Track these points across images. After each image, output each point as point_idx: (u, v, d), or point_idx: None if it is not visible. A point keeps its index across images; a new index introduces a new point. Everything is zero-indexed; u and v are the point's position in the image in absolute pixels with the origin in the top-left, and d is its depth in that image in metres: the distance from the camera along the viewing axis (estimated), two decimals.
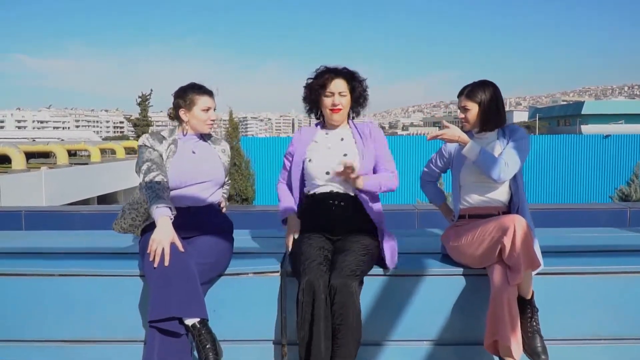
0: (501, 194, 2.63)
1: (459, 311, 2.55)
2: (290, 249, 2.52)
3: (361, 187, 2.52)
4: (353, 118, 2.76)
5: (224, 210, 2.81)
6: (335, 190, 2.58)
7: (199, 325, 2.16)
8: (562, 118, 50.51)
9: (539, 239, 2.59)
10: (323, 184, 2.60)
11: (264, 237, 3.29)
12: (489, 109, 2.61)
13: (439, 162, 2.87)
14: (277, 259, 2.68)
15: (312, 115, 2.75)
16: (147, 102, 43.81)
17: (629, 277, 2.56)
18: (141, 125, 43.53)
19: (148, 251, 2.23)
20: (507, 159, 2.51)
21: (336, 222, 2.56)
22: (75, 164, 22.73)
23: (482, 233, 2.43)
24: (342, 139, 2.68)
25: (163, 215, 2.29)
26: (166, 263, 2.18)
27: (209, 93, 2.65)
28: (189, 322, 2.16)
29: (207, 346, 2.14)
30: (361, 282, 2.36)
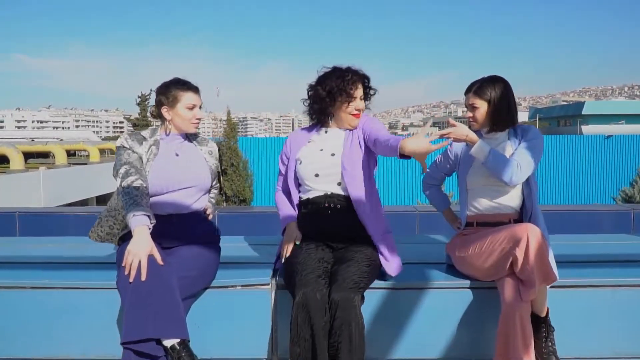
0: (512, 200, 2.42)
1: (466, 327, 2.34)
2: (285, 258, 2.31)
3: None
4: None
5: (210, 217, 2.59)
6: (329, 192, 2.39)
7: (178, 347, 1.94)
8: (562, 118, 50.39)
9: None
10: (315, 187, 2.41)
11: (256, 244, 3.08)
12: (499, 107, 2.39)
13: (444, 164, 2.66)
14: (267, 269, 2.47)
15: (312, 117, 2.53)
16: (146, 102, 43.69)
17: None
18: (141, 125, 43.38)
19: (123, 264, 2.01)
20: (520, 160, 2.29)
21: (335, 229, 2.37)
22: (74, 164, 22.65)
23: (491, 243, 2.22)
24: (340, 138, 2.49)
25: (140, 225, 2.07)
26: (143, 277, 1.96)
27: (194, 89, 2.43)
28: (168, 343, 1.94)
29: None
30: (362, 297, 2.14)
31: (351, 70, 2.44)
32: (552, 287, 2.26)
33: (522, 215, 2.44)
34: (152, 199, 2.30)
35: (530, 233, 2.09)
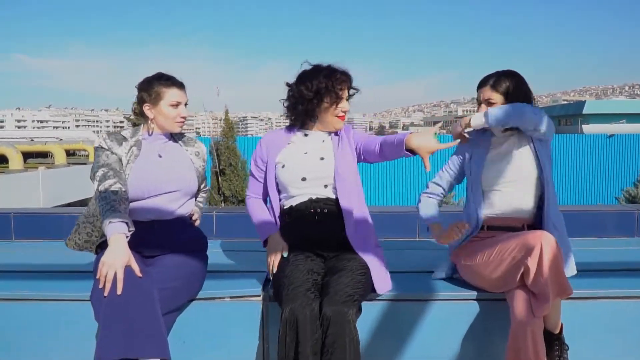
0: (527, 202, 2.23)
1: (472, 342, 2.17)
2: (273, 272, 2.13)
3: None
4: None
5: (196, 223, 2.41)
6: (314, 196, 2.21)
7: None
8: (563, 117, 50.21)
9: None
10: (299, 193, 2.23)
11: (247, 250, 2.90)
12: (516, 101, 2.20)
13: (453, 168, 2.43)
14: (258, 279, 2.30)
15: (293, 118, 2.33)
16: None
17: None
18: (141, 124, 43.35)
19: (97, 276, 1.84)
20: (520, 105, 2.15)
21: (324, 235, 2.19)
22: (73, 163, 22.57)
23: (501, 251, 2.05)
24: (323, 141, 2.32)
25: (116, 233, 1.88)
26: (118, 291, 1.78)
27: (179, 85, 2.25)
28: None
29: None
30: (359, 309, 1.97)
31: (338, 69, 2.27)
32: (568, 298, 2.09)
33: (537, 221, 2.25)
34: (133, 204, 2.13)
35: (544, 241, 1.91)
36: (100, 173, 2.07)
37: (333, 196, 2.22)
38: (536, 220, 2.25)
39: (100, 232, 2.19)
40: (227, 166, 12.88)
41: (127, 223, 1.93)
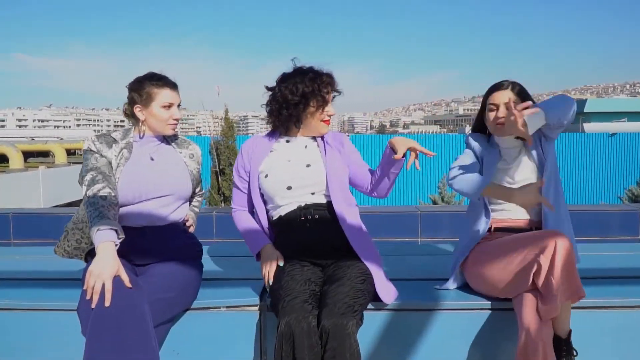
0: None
1: (479, 354, 2.08)
2: (269, 284, 2.04)
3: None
4: None
5: (191, 229, 2.32)
6: (303, 203, 2.12)
7: None
8: None
9: None
10: (286, 202, 2.14)
11: (243, 256, 2.78)
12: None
13: (471, 157, 2.26)
14: (256, 287, 2.21)
15: (276, 123, 2.23)
16: None
17: None
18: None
19: (84, 287, 1.74)
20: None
21: (318, 241, 2.10)
22: (73, 163, 22.53)
23: (512, 251, 1.96)
24: (305, 147, 2.23)
25: (105, 241, 1.78)
26: (107, 303, 1.68)
27: (171, 85, 2.15)
28: None
29: None
30: (360, 319, 1.86)
31: (323, 72, 2.17)
32: (575, 307, 2.00)
33: (544, 224, 2.15)
34: (123, 210, 2.03)
35: (559, 240, 1.83)
36: (88, 177, 1.97)
37: (323, 201, 2.14)
38: (542, 223, 2.16)
39: (89, 239, 2.09)
40: (227, 166, 12.80)
41: (116, 230, 1.83)
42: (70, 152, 26.91)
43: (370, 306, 2.01)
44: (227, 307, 2.09)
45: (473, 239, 2.18)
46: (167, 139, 2.24)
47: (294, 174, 2.14)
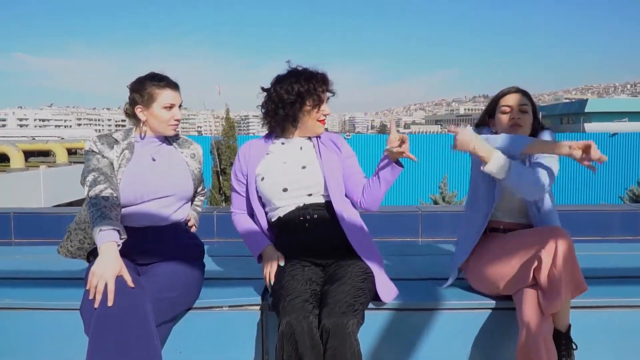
0: (528, 208, 2.18)
1: (480, 353, 2.08)
2: (271, 283, 2.05)
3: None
4: None
5: (193, 229, 2.33)
6: (301, 204, 2.13)
7: None
8: (565, 116, 50.06)
9: None
10: (284, 204, 2.15)
11: (244, 255, 2.79)
12: (537, 115, 2.20)
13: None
14: (257, 287, 2.22)
15: (273, 124, 2.24)
16: None
17: None
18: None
19: (87, 287, 1.75)
20: (543, 169, 2.02)
21: (318, 240, 2.11)
22: (74, 162, 22.52)
23: (512, 247, 1.99)
24: (300, 148, 2.23)
25: (107, 241, 1.79)
26: (109, 303, 1.69)
27: (173, 86, 2.15)
28: None
29: None
30: (361, 318, 1.86)
31: (317, 72, 2.19)
32: (575, 307, 2.00)
33: (535, 222, 2.18)
34: (125, 210, 2.04)
35: (560, 235, 1.86)
36: (90, 178, 1.98)
37: (321, 201, 2.14)
38: (534, 221, 2.19)
39: (92, 239, 2.10)
40: (228, 165, 12.81)
41: (118, 231, 1.84)
42: (71, 152, 26.90)
43: (371, 305, 2.01)
44: (229, 306, 2.10)
45: (473, 238, 2.18)
46: (169, 139, 2.25)
47: (290, 176, 2.15)
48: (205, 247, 2.36)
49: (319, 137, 2.26)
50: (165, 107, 2.13)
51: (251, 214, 2.27)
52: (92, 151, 2.06)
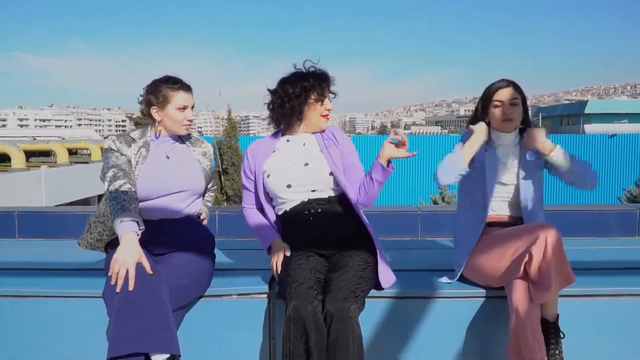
0: (515, 202, 2.33)
1: (474, 339, 2.22)
2: (278, 272, 2.18)
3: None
4: None
5: (204, 222, 2.46)
6: (305, 199, 2.26)
7: None
8: (565, 117, 50.13)
9: None
10: (289, 199, 2.28)
11: (252, 249, 2.93)
12: (527, 107, 2.35)
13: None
14: (265, 277, 2.35)
15: (279, 121, 2.37)
16: None
17: None
18: (143, 123, 43.30)
19: (109, 273, 1.89)
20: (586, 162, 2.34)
21: (321, 234, 2.24)
22: (75, 162, 22.54)
23: (504, 243, 2.12)
24: (304, 144, 2.36)
25: (128, 231, 1.94)
26: (130, 287, 1.83)
27: (186, 88, 2.29)
28: (157, 358, 1.83)
29: None
30: (362, 304, 2.00)
31: (319, 70, 2.34)
32: (563, 296, 2.14)
33: (525, 217, 2.32)
34: (142, 204, 2.18)
35: (548, 231, 1.99)
36: (110, 174, 2.12)
37: (325, 196, 2.27)
38: (524, 216, 2.33)
39: (111, 232, 2.24)
40: (229, 165, 12.93)
41: (137, 222, 1.98)
42: (72, 152, 26.88)
43: (371, 293, 2.14)
44: (238, 294, 2.24)
45: (472, 241, 2.29)
46: (181, 138, 2.38)
47: (293, 173, 2.28)
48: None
49: (322, 132, 2.38)
50: (179, 109, 2.26)
51: (260, 208, 2.40)
52: (111, 149, 2.20)
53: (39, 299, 2.24)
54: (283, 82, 2.32)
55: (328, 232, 2.24)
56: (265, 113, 2.42)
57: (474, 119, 2.43)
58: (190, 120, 2.30)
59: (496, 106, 2.31)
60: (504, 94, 2.30)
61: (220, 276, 2.36)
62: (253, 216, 2.41)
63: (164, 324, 1.83)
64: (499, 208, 2.34)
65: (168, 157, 2.29)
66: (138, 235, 1.96)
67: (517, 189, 2.31)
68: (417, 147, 2.35)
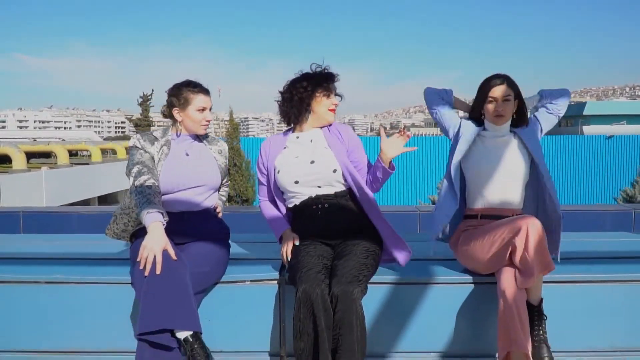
0: (515, 195, 2.51)
1: (468, 322, 2.42)
2: (288, 260, 2.39)
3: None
4: None
5: (219, 215, 2.67)
6: (313, 194, 2.46)
7: (191, 339, 2.02)
8: (564, 118, 49.98)
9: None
10: (297, 193, 2.48)
11: (262, 241, 3.15)
12: (523, 101, 2.55)
13: (450, 120, 2.65)
14: (275, 265, 2.55)
15: (289, 115, 2.58)
16: (148, 102, 43.71)
17: None
18: (142, 125, 43.43)
19: (138, 259, 2.09)
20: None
21: (328, 226, 2.44)
22: (76, 164, 22.64)
23: (493, 235, 2.30)
24: (311, 141, 2.56)
25: (155, 221, 2.15)
26: (157, 271, 2.04)
27: (205, 91, 2.50)
28: (181, 335, 2.03)
29: None
30: (365, 288, 2.21)
31: (328, 70, 2.55)
32: (553, 282, 2.35)
33: (526, 210, 2.52)
34: (164, 197, 2.38)
35: (530, 223, 2.17)
36: (135, 170, 2.32)
37: (331, 192, 2.46)
38: (525, 210, 2.52)
39: (135, 223, 2.44)
40: (231, 166, 13.07)
41: (162, 213, 2.19)
42: (72, 153, 26.98)
43: (373, 279, 2.34)
44: (251, 280, 2.44)
45: (453, 199, 2.51)
46: (199, 137, 2.59)
47: (300, 170, 2.48)
48: None
49: (329, 128, 2.58)
50: (199, 110, 2.47)
51: (273, 200, 2.61)
52: (136, 147, 2.41)
53: (71, 285, 2.44)
54: (293, 81, 2.54)
55: (334, 225, 2.44)
56: (265, 115, 2.62)
57: (472, 111, 2.64)
58: (208, 121, 2.50)
59: (490, 102, 2.51)
60: (497, 92, 2.50)
61: (234, 264, 2.56)
62: (267, 208, 2.62)
63: (187, 304, 2.04)
64: (489, 196, 2.51)
65: (187, 155, 2.49)
66: (163, 225, 2.16)
67: (506, 176, 2.49)
68: (415, 145, 2.54)
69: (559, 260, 2.45)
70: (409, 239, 3.27)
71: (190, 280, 2.12)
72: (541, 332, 2.23)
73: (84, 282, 2.43)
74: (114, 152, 30.35)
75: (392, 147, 2.40)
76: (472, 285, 2.42)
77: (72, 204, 16.53)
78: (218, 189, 2.63)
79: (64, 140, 34.25)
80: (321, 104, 2.51)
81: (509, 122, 2.57)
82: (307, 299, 2.08)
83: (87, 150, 28.42)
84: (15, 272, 2.51)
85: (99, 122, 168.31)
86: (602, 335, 2.44)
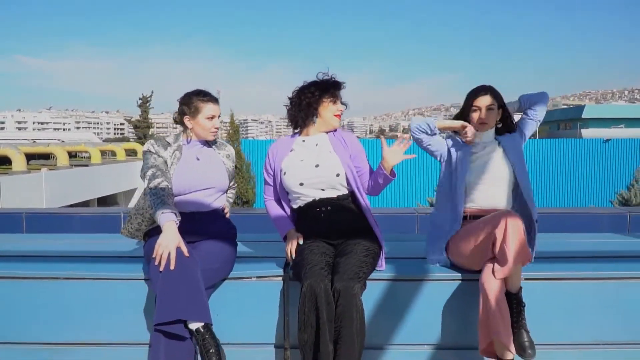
0: (502, 198, 2.68)
1: (459, 316, 2.58)
2: (292, 258, 2.54)
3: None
4: None
5: (227, 215, 2.84)
6: (318, 197, 2.62)
7: (202, 330, 2.18)
8: (562, 122, 50.28)
9: (538, 244, 2.71)
10: (302, 195, 2.64)
11: (267, 241, 3.32)
12: (507, 110, 2.75)
13: (438, 149, 2.80)
14: (279, 263, 2.71)
15: (297, 119, 2.73)
16: (147, 104, 43.70)
17: (629, 282, 2.58)
18: (142, 127, 43.45)
19: (154, 255, 2.26)
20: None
21: (330, 228, 2.60)
22: (75, 165, 22.64)
23: (477, 229, 2.47)
24: (316, 145, 2.72)
25: (169, 220, 2.32)
26: (172, 267, 2.21)
27: (214, 100, 2.66)
28: (193, 326, 2.19)
29: (211, 350, 2.17)
30: (364, 284, 2.37)
31: (334, 77, 2.71)
32: (538, 279, 2.53)
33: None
34: (176, 199, 2.55)
35: (509, 216, 2.34)
36: (149, 173, 2.49)
37: (334, 195, 2.62)
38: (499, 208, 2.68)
39: (148, 223, 2.61)
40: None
41: (175, 213, 2.36)
42: (71, 155, 26.98)
43: (372, 276, 2.51)
44: (257, 277, 2.60)
45: (455, 221, 2.68)
46: (209, 143, 2.76)
47: (305, 173, 2.64)
48: None
49: (334, 133, 2.74)
50: (208, 118, 2.64)
51: (278, 200, 2.77)
52: (150, 151, 2.58)
53: (86, 281, 2.59)
54: (301, 87, 2.71)
55: (336, 226, 2.61)
56: (264, 117, 2.79)
57: (458, 118, 2.82)
58: (217, 128, 2.67)
59: (474, 111, 2.72)
60: (481, 101, 2.70)
61: (240, 262, 2.72)
62: (272, 207, 2.79)
63: (199, 298, 2.20)
64: (478, 200, 2.68)
65: (198, 159, 2.66)
66: (176, 224, 2.33)
67: (493, 181, 2.67)
68: (414, 151, 2.72)
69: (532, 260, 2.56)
70: (408, 239, 3.45)
71: (201, 276, 2.28)
72: (520, 319, 2.37)
73: (101, 277, 2.59)
74: (113, 153, 30.39)
75: (393, 156, 2.57)
76: (464, 282, 2.58)
77: (71, 206, 16.54)
78: (226, 191, 2.79)
79: (63, 141, 34.24)
80: (327, 109, 2.68)
81: (494, 130, 2.76)
82: (312, 293, 2.24)
83: (86, 152, 28.40)
84: (33, 268, 2.67)
85: (98, 123, 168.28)
86: (587, 329, 2.59)
